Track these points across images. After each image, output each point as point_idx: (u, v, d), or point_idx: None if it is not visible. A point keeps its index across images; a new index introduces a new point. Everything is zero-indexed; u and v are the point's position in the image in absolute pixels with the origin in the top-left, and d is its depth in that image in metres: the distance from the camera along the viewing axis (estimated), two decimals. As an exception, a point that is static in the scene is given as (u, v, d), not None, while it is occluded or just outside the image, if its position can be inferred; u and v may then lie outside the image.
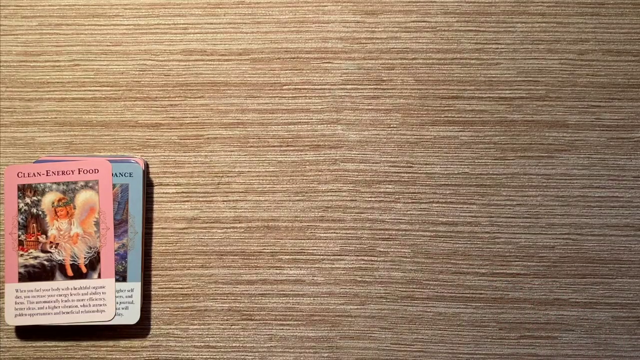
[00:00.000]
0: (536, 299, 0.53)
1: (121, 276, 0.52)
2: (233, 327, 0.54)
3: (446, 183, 0.55)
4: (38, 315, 0.52)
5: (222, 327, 0.54)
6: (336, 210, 0.54)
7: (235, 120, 0.55)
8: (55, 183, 0.53)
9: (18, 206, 0.52)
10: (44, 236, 0.52)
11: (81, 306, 0.52)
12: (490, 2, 0.56)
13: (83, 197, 0.53)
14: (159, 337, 0.54)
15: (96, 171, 0.53)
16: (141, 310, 0.53)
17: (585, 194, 0.54)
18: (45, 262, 0.52)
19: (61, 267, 0.52)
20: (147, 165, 0.55)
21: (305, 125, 0.55)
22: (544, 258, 0.54)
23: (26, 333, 0.54)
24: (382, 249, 0.54)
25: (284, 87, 0.55)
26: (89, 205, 0.53)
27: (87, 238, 0.52)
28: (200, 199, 0.55)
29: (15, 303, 0.52)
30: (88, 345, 0.54)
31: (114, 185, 0.53)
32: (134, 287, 0.52)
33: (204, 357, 0.53)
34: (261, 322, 0.54)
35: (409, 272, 0.54)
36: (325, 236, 0.54)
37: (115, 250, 0.52)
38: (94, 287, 0.52)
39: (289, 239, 0.54)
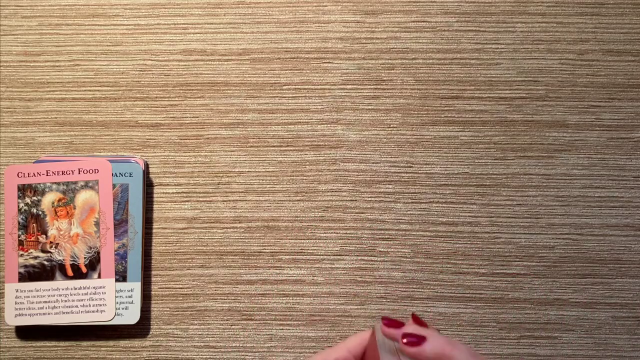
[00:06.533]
0: (536, 299, 0.53)
1: (121, 276, 0.52)
2: (233, 327, 0.54)
3: (446, 183, 0.55)
4: (38, 315, 0.52)
5: (222, 327, 0.54)
6: (336, 210, 0.54)
7: (235, 120, 0.55)
8: (55, 183, 0.53)
9: (18, 206, 0.52)
10: (44, 236, 0.52)
11: (81, 306, 0.52)
12: (490, 2, 0.56)
13: (83, 197, 0.53)
14: (159, 337, 0.54)
15: (96, 171, 0.53)
16: (141, 310, 0.53)
17: (585, 194, 0.54)
18: (45, 262, 0.52)
19: (61, 267, 0.52)
20: (147, 165, 0.55)
21: (305, 125, 0.55)
22: (544, 258, 0.54)
23: (26, 333, 0.54)
24: (382, 249, 0.54)
25: (284, 87, 0.55)
26: (89, 205, 0.53)
27: (87, 238, 0.52)
28: (200, 199, 0.55)
29: (15, 303, 0.52)
30: (88, 345, 0.53)
31: (114, 185, 0.53)
32: (134, 287, 0.52)
33: (204, 357, 0.53)
34: (261, 322, 0.54)
35: (409, 272, 0.54)
36: (325, 236, 0.54)
37: (115, 250, 0.52)
38: (94, 287, 0.52)
39: (289, 239, 0.54)
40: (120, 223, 0.53)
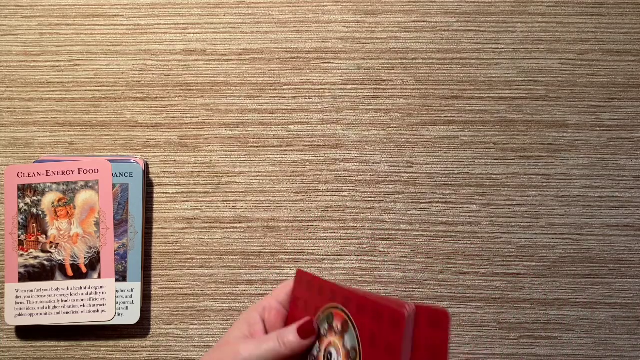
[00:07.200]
0: (536, 299, 0.53)
1: (121, 276, 0.52)
2: (233, 327, 0.54)
3: (446, 183, 0.55)
4: (38, 315, 0.51)
5: (222, 327, 0.54)
6: (336, 210, 0.54)
7: (235, 120, 0.55)
8: (55, 183, 0.53)
9: (18, 206, 0.52)
10: (44, 236, 0.52)
11: (81, 306, 0.52)
12: (490, 2, 0.56)
13: (83, 197, 0.53)
14: (159, 337, 0.54)
15: (96, 171, 0.53)
16: (141, 310, 0.53)
17: (585, 194, 0.54)
18: (45, 262, 0.52)
19: (61, 267, 0.52)
20: (147, 165, 0.55)
21: (305, 125, 0.55)
22: (544, 258, 0.54)
23: (26, 333, 0.54)
24: (382, 249, 0.54)
25: (284, 87, 0.55)
26: (89, 205, 0.53)
27: (87, 238, 0.52)
28: (200, 199, 0.55)
29: (15, 303, 0.52)
30: (88, 345, 0.53)
31: (114, 185, 0.53)
32: (134, 287, 0.52)
33: (204, 357, 0.53)
34: (261, 322, 0.54)
35: (409, 272, 0.54)
36: (325, 236, 0.54)
37: (115, 250, 0.52)
38: (94, 287, 0.52)
39: (289, 239, 0.54)
40: (120, 223, 0.53)
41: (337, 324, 0.34)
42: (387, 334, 0.30)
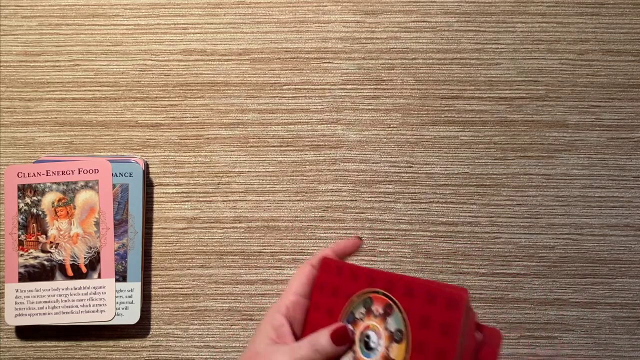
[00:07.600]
0: (536, 299, 0.53)
1: (121, 276, 0.52)
2: (233, 327, 0.54)
3: (446, 183, 0.55)
4: (38, 315, 0.51)
5: (222, 327, 0.54)
6: (336, 210, 0.54)
7: (235, 120, 0.55)
8: (55, 183, 0.53)
9: (18, 206, 0.52)
10: (44, 236, 0.52)
11: (81, 306, 0.52)
12: (490, 2, 0.56)
13: (83, 197, 0.53)
14: (159, 337, 0.54)
15: (96, 171, 0.53)
16: (141, 310, 0.53)
17: (585, 194, 0.54)
18: (45, 262, 0.52)
19: (61, 267, 0.52)
20: (147, 165, 0.55)
21: (305, 125, 0.55)
22: (544, 258, 0.54)
23: (26, 333, 0.54)
24: (382, 249, 0.54)
25: (284, 87, 0.55)
26: (89, 205, 0.53)
27: (87, 238, 0.52)
28: (200, 199, 0.55)
29: (15, 303, 0.52)
30: (88, 345, 0.53)
31: (114, 185, 0.53)
32: (134, 287, 0.52)
33: (204, 357, 0.53)
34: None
35: (409, 272, 0.54)
36: (325, 236, 0.54)
37: (115, 250, 0.52)
38: (94, 287, 0.52)
39: (289, 239, 0.54)
40: (120, 223, 0.53)
41: (377, 308, 0.34)
42: (444, 316, 0.31)
